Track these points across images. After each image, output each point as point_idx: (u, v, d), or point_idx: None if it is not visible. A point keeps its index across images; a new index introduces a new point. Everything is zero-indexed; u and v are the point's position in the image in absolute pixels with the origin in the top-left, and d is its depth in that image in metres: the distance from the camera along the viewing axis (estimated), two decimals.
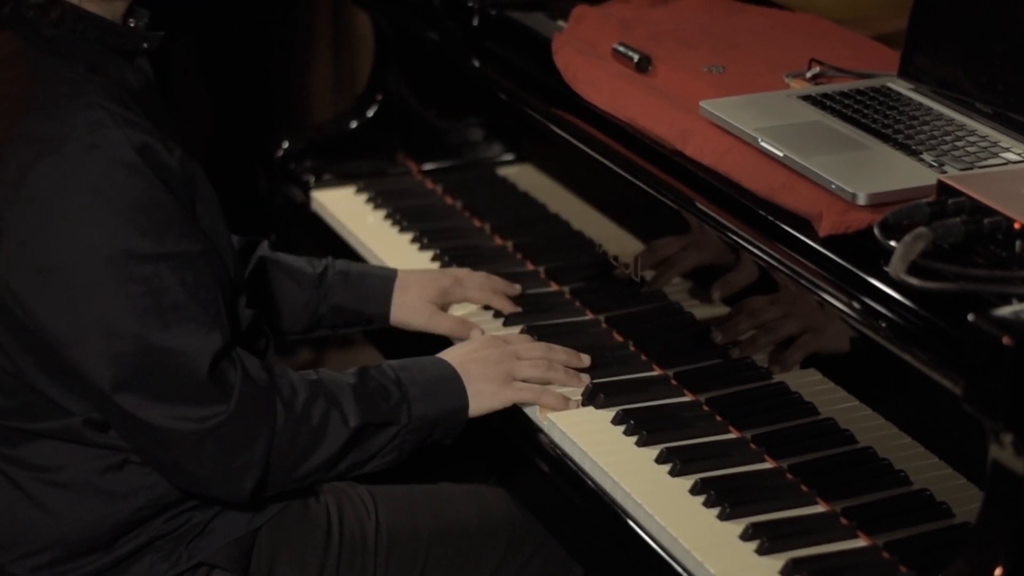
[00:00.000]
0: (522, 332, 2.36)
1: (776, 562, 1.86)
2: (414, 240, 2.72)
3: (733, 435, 2.11)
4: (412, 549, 2.19)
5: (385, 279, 2.41)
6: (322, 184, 2.96)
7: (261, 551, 2.12)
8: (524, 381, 2.18)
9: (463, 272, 2.46)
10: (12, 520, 2.06)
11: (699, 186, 2.16)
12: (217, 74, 4.16)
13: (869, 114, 2.16)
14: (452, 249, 2.64)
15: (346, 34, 4.11)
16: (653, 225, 2.29)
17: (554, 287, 2.53)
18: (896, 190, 1.95)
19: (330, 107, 4.13)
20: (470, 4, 2.75)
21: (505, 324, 2.40)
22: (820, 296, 1.92)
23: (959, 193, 1.84)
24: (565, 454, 2.12)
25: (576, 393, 2.19)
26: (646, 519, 1.97)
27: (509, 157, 2.77)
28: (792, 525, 1.92)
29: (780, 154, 2.07)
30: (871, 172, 2.01)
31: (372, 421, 2.07)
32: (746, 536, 1.90)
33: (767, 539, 1.89)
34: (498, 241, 2.70)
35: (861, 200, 1.95)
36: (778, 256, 1.99)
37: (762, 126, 2.14)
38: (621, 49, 2.45)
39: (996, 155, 2.02)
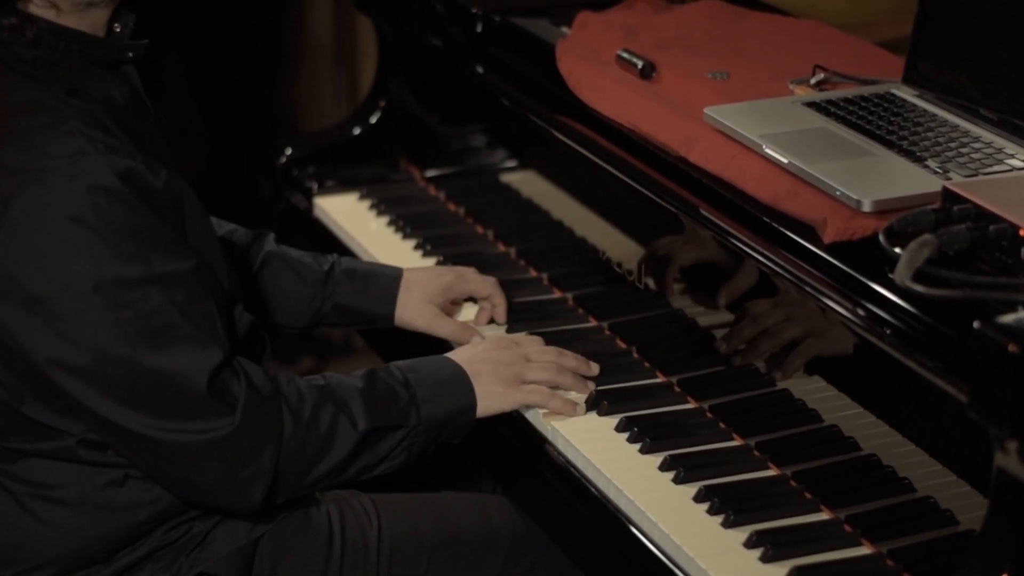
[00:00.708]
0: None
1: (780, 570, 1.86)
2: (417, 247, 2.71)
3: (737, 442, 2.11)
4: (414, 557, 2.19)
5: (391, 279, 2.40)
6: (325, 190, 2.96)
7: (262, 560, 2.11)
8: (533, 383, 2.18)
9: (466, 269, 2.45)
10: (12, 535, 2.05)
11: (703, 193, 2.15)
12: (215, 80, 4.16)
13: (874, 120, 2.16)
14: (455, 256, 2.64)
15: (349, 40, 4.10)
16: (656, 232, 2.29)
17: (557, 294, 2.53)
18: (901, 197, 1.95)
19: (333, 113, 4.13)
20: (474, 10, 2.75)
21: (508, 332, 2.40)
22: (825, 303, 1.91)
23: (964, 200, 1.83)
24: (569, 461, 2.11)
25: (583, 400, 2.19)
26: (649, 526, 1.96)
27: (512, 164, 2.77)
28: (796, 532, 1.92)
29: (784, 161, 2.07)
30: (876, 179, 2.01)
31: (381, 424, 2.06)
32: (750, 544, 1.90)
33: (771, 547, 1.88)
34: (501, 248, 2.70)
35: (866, 207, 1.94)
36: (783, 263, 1.98)
37: (766, 133, 2.13)
38: (625, 55, 2.44)
39: (1001, 161, 2.02)
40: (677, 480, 2.03)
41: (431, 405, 2.10)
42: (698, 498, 1.99)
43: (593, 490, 2.06)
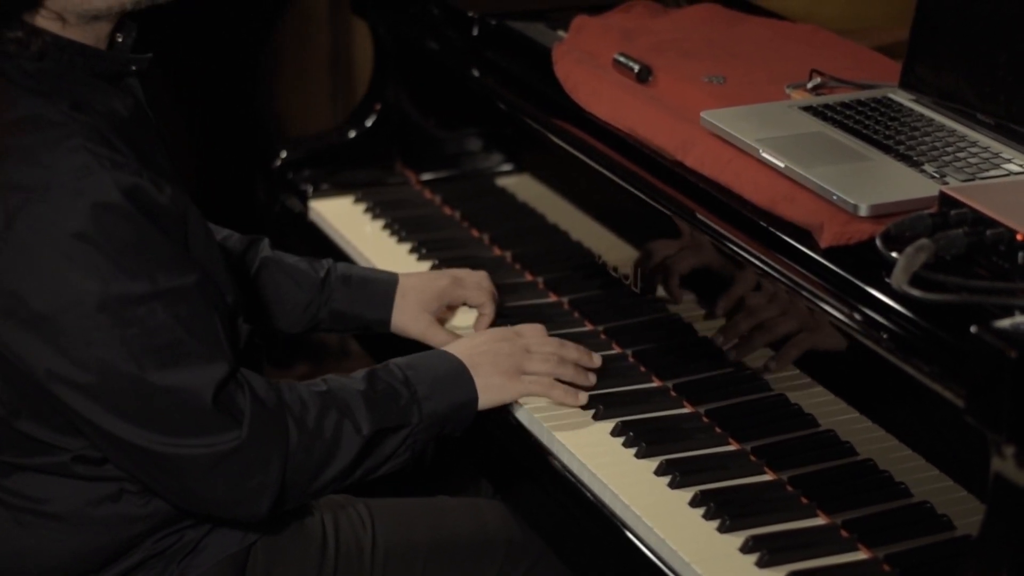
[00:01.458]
0: None
1: (776, 575, 1.85)
2: (412, 250, 2.71)
3: (733, 447, 2.10)
4: (408, 563, 2.18)
5: (387, 285, 2.40)
6: (320, 194, 2.95)
7: (255, 567, 2.11)
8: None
9: (462, 272, 2.44)
10: (4, 549, 2.04)
11: (700, 197, 2.15)
12: (211, 82, 4.15)
13: (870, 125, 2.15)
14: (450, 259, 2.63)
15: (345, 43, 4.10)
16: (652, 236, 2.28)
17: (553, 298, 2.52)
18: (898, 201, 1.95)
19: (329, 117, 4.13)
20: (470, 14, 2.75)
21: None
22: (821, 307, 1.91)
23: (961, 204, 1.83)
24: (564, 466, 2.11)
25: (585, 390, 2.19)
26: (645, 531, 1.96)
27: (508, 167, 2.77)
28: (792, 537, 1.91)
29: (781, 165, 2.07)
30: (873, 183, 2.01)
31: (384, 427, 2.06)
32: (746, 549, 1.89)
33: (767, 552, 1.88)
34: (497, 252, 2.69)
35: (863, 211, 1.94)
36: (779, 267, 1.98)
37: (763, 137, 2.13)
38: (622, 59, 2.44)
39: (998, 166, 2.02)
40: (673, 485, 2.02)
41: (432, 402, 2.09)
42: (694, 503, 1.98)
43: (589, 495, 2.06)
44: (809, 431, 2.03)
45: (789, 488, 2.01)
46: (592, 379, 2.21)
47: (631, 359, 2.32)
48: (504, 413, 2.19)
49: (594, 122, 2.39)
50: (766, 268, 2.00)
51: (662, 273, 2.29)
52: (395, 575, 2.17)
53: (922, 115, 2.18)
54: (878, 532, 1.90)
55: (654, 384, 2.26)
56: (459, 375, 2.13)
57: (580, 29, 2.61)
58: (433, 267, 2.63)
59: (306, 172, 2.99)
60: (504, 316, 2.43)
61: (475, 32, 2.75)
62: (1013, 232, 1.77)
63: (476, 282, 2.43)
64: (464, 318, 2.45)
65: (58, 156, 1.89)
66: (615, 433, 2.13)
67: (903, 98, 2.24)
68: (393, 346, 2.42)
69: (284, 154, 3.02)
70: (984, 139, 2.09)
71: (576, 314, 2.46)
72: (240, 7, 4.11)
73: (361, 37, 3.88)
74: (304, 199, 2.95)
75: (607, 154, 2.34)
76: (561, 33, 2.66)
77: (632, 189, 2.26)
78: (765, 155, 2.09)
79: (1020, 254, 1.75)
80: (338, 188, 2.96)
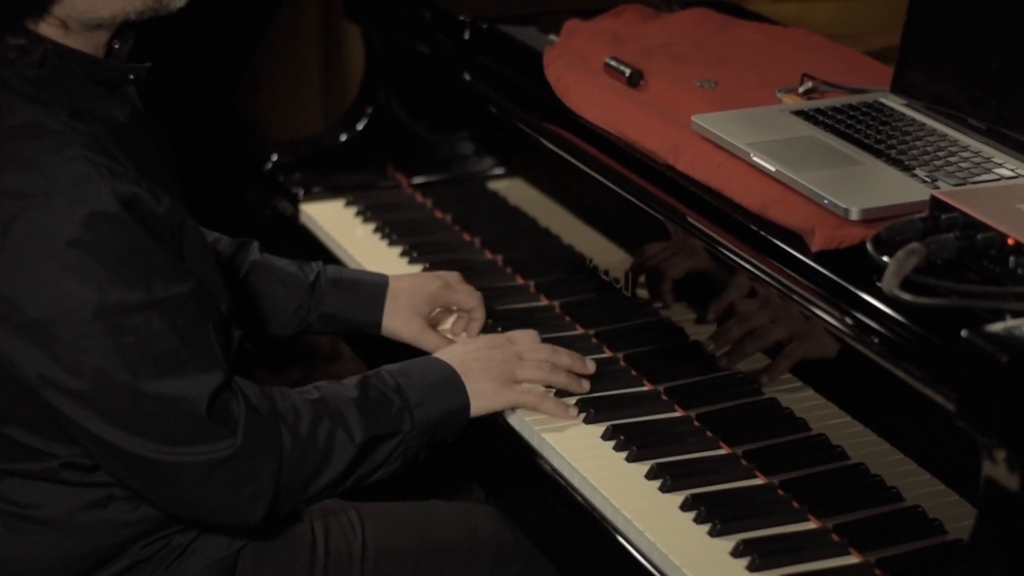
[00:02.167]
0: None
1: None
2: (403, 254, 2.71)
3: (724, 451, 2.10)
4: (399, 567, 2.18)
5: (377, 287, 2.40)
6: (311, 197, 2.95)
7: (244, 572, 2.10)
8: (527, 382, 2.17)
9: (453, 276, 2.44)
10: None
11: (691, 201, 2.15)
12: (202, 85, 4.15)
13: (862, 129, 2.15)
14: (441, 263, 2.63)
15: (336, 47, 4.10)
16: (644, 240, 2.28)
17: (544, 301, 2.52)
18: (889, 205, 1.95)
19: (320, 120, 4.12)
20: (461, 18, 2.75)
21: None
22: (812, 311, 1.91)
23: (952, 208, 1.83)
24: (555, 469, 2.11)
25: (574, 402, 2.18)
26: (636, 535, 1.96)
27: (499, 171, 2.77)
28: (783, 542, 1.91)
29: (772, 169, 2.07)
30: (864, 187, 2.01)
31: (377, 434, 2.06)
32: (737, 553, 1.89)
33: (758, 556, 1.87)
34: (488, 255, 2.69)
35: (854, 215, 1.94)
36: (770, 271, 1.98)
37: (754, 141, 2.13)
38: (613, 63, 2.44)
39: (989, 171, 2.02)
40: (664, 489, 2.02)
41: (424, 409, 2.09)
42: (685, 507, 1.98)
43: (579, 499, 2.05)
44: (800, 435, 2.03)
45: (780, 492, 2.01)
46: (586, 385, 2.21)
47: (622, 363, 2.32)
48: (495, 416, 2.19)
49: (585, 126, 2.39)
50: (757, 272, 2.00)
51: (653, 277, 2.29)
52: None
53: (913, 119, 2.18)
54: (869, 536, 1.90)
55: (645, 388, 2.26)
56: (451, 382, 2.13)
57: (571, 33, 2.61)
58: (424, 271, 2.63)
59: (297, 175, 2.99)
60: (495, 319, 2.42)
61: (466, 36, 2.75)
62: (1004, 236, 1.77)
63: (468, 288, 2.43)
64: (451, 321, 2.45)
65: (57, 164, 1.89)
66: (606, 437, 2.13)
67: (894, 102, 2.24)
68: (384, 349, 2.42)
69: (275, 157, 3.02)
70: (975, 144, 2.09)
71: (567, 318, 2.46)
72: (232, 10, 4.11)
73: (353, 40, 3.88)
74: (295, 202, 2.95)
75: (598, 158, 2.34)
76: (552, 37, 2.66)
77: (623, 193, 2.26)
78: (756, 159, 2.09)
79: (1011, 258, 1.75)
80: (329, 191, 2.96)
